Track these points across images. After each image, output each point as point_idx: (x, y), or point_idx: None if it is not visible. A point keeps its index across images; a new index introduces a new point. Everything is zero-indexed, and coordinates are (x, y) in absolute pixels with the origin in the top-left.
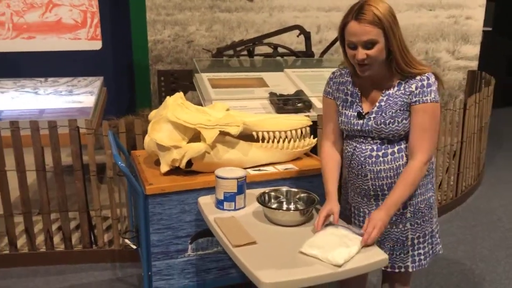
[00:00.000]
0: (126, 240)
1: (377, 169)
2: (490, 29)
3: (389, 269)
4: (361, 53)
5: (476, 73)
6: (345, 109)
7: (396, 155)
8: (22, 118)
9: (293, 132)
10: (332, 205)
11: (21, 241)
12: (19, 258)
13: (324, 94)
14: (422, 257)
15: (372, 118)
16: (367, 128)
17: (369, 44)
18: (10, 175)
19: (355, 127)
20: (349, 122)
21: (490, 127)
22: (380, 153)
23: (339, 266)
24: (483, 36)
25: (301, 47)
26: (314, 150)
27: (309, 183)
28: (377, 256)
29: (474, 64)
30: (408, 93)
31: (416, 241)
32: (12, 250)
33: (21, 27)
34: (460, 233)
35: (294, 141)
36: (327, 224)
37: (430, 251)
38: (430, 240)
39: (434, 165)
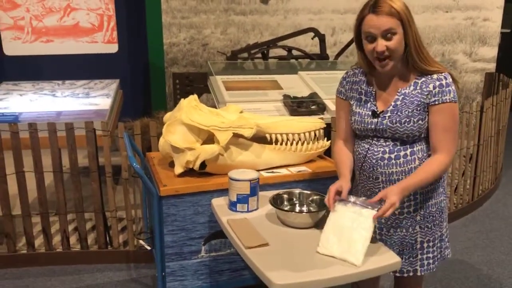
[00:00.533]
0: (141, 241)
1: (389, 171)
2: (508, 30)
3: (397, 274)
4: (381, 45)
5: (493, 75)
6: (359, 108)
7: (409, 157)
8: (40, 120)
9: (307, 134)
10: (343, 182)
11: (38, 241)
12: (36, 257)
13: (337, 94)
14: (430, 260)
15: (387, 117)
16: (381, 127)
17: (389, 34)
18: (28, 176)
19: (369, 126)
20: (363, 120)
21: (508, 130)
22: (392, 155)
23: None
24: (501, 38)
25: (316, 49)
26: (328, 153)
27: (322, 185)
28: (390, 259)
29: (491, 66)
30: (426, 93)
31: (425, 244)
32: (29, 250)
33: (40, 31)
34: (476, 237)
35: (308, 143)
36: (336, 201)
37: (439, 255)
38: (439, 244)
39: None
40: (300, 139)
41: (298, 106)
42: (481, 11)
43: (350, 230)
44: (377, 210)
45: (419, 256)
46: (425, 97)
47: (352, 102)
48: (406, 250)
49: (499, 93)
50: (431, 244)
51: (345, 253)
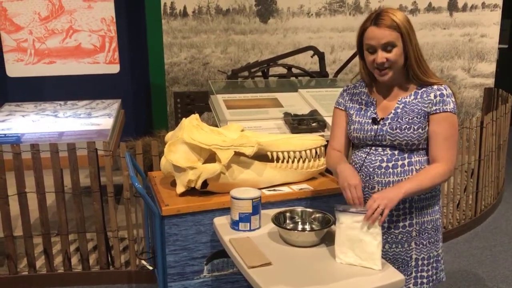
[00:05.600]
0: (143, 261)
1: (385, 180)
2: (506, 46)
3: None
4: (381, 56)
5: (492, 91)
6: (359, 117)
7: (406, 168)
8: (42, 141)
9: (308, 152)
10: (357, 180)
11: (40, 262)
12: (38, 279)
13: (336, 105)
14: (424, 280)
15: (387, 124)
16: (381, 133)
17: (389, 46)
18: (30, 196)
19: (368, 133)
20: (362, 128)
21: (509, 145)
22: (390, 164)
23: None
24: (499, 54)
25: (315, 67)
26: (329, 170)
27: (324, 203)
28: (395, 276)
29: (490, 82)
30: (427, 102)
31: (420, 262)
32: (31, 271)
33: (43, 52)
34: (480, 253)
35: (309, 161)
36: (339, 210)
37: (434, 276)
38: (434, 265)
39: (440, 187)
40: (301, 157)
41: (299, 123)
42: (478, 27)
43: (361, 239)
44: (381, 214)
45: (413, 274)
46: (426, 105)
47: (351, 112)
48: (400, 267)
49: (499, 108)
50: (425, 262)
51: (364, 260)
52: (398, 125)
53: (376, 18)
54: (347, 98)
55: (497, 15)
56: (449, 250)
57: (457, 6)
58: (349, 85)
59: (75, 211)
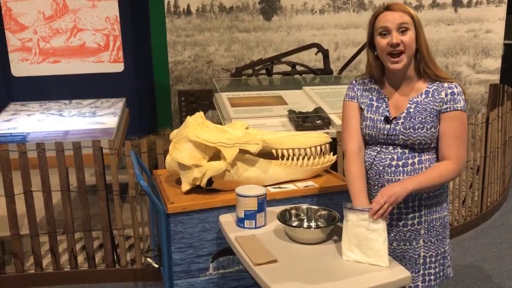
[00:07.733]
0: (148, 259)
1: (395, 179)
2: (511, 42)
3: None
4: (396, 37)
5: (498, 87)
6: (371, 114)
7: (416, 166)
8: (48, 140)
9: (313, 149)
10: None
11: (46, 261)
12: (44, 277)
13: (347, 98)
14: (432, 277)
15: (400, 123)
16: (394, 132)
17: (403, 28)
18: (36, 195)
19: (381, 132)
20: (375, 126)
21: None
22: (400, 163)
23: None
24: (505, 49)
25: (320, 64)
26: (334, 167)
27: (329, 200)
28: (401, 273)
29: (495, 78)
30: (438, 100)
31: (428, 259)
32: (37, 269)
33: (47, 51)
34: (486, 250)
35: (314, 158)
36: (346, 208)
37: (441, 273)
38: (442, 261)
39: (448, 184)
40: (306, 154)
41: (304, 121)
42: (483, 23)
43: (367, 237)
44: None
45: (421, 272)
46: (437, 104)
47: (363, 107)
48: (408, 265)
49: (504, 104)
50: (433, 259)
51: (371, 258)
52: (411, 125)
53: (389, 5)
54: (359, 93)
55: (502, 10)
56: (455, 247)
57: (461, 1)
58: (357, 79)
59: (81, 209)
